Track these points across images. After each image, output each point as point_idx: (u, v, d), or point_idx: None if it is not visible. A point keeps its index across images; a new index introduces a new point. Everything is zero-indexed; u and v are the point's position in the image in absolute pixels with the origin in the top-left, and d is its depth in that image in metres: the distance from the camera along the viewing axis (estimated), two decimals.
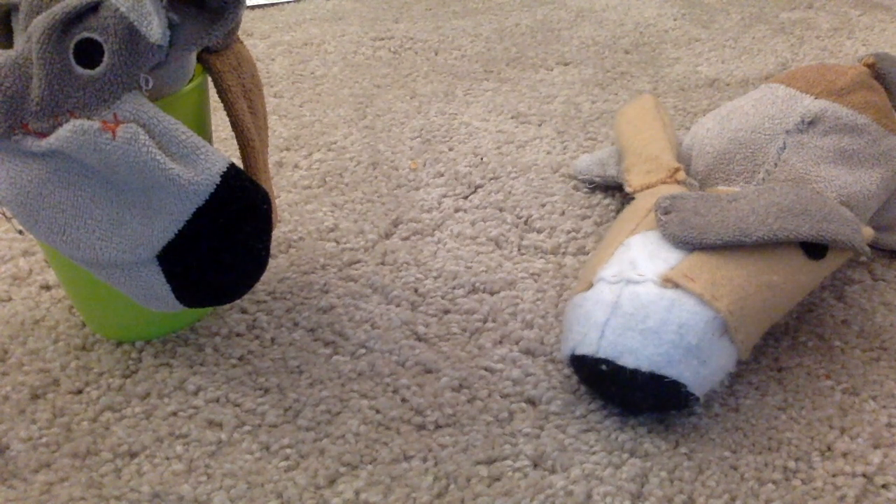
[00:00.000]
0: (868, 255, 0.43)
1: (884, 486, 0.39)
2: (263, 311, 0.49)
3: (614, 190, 0.58)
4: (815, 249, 0.42)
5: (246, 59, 0.43)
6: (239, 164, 0.56)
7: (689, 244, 0.41)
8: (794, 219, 0.41)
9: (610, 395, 0.42)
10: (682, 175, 0.49)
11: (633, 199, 0.49)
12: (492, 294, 0.50)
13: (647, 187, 0.49)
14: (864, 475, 0.39)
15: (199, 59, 0.43)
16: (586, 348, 0.40)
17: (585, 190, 0.59)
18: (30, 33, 0.36)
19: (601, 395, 0.43)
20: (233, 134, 0.67)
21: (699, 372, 0.39)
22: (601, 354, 0.39)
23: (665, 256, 0.41)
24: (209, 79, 0.44)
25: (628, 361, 0.39)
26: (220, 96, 0.43)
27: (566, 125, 0.68)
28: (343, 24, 0.94)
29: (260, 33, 0.92)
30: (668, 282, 0.40)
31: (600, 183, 0.59)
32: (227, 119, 0.69)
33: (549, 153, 0.64)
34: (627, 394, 0.40)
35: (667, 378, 0.38)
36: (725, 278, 0.40)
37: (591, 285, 0.42)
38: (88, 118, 0.36)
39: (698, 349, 0.39)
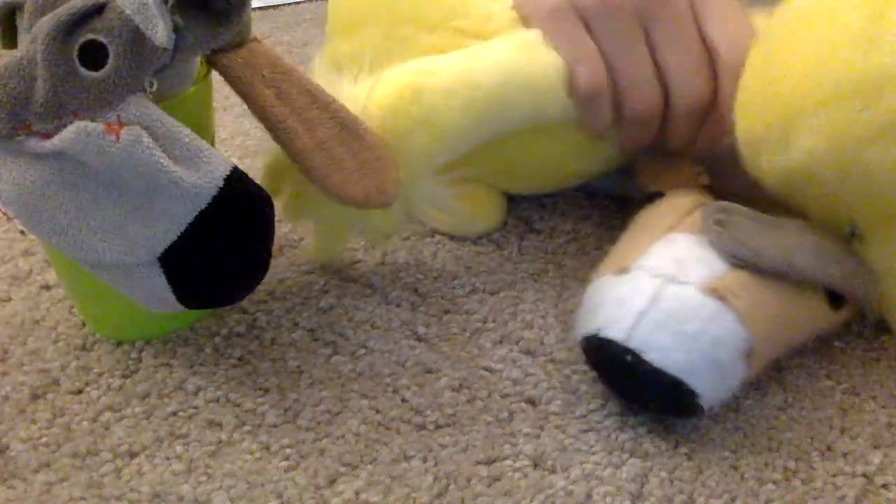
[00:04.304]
0: (875, 318, 0.43)
1: (884, 486, 0.39)
2: (263, 312, 0.49)
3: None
4: (836, 299, 0.42)
5: (261, 53, 0.42)
6: (240, 164, 0.56)
7: (741, 261, 0.40)
8: (832, 265, 0.41)
9: (618, 385, 0.41)
10: (705, 179, 0.48)
11: (651, 197, 0.48)
12: (492, 294, 0.50)
13: (670, 186, 0.47)
14: (864, 475, 0.39)
15: (206, 59, 0.42)
16: (615, 333, 0.39)
17: (585, 190, 0.59)
18: (34, 34, 0.36)
19: (607, 382, 0.42)
20: (233, 134, 0.67)
21: (715, 388, 0.39)
22: (630, 344, 0.38)
23: (712, 265, 0.40)
24: (212, 81, 0.44)
25: (654, 358, 0.38)
26: (234, 89, 0.42)
27: None
28: None
29: (260, 33, 0.91)
30: (714, 292, 0.39)
31: (599, 192, 0.59)
32: (226, 120, 0.69)
33: None
34: (640, 390, 0.40)
35: (685, 386, 0.38)
36: (763, 304, 0.39)
37: (624, 269, 0.41)
38: (92, 120, 0.36)
39: (723, 366, 0.38)
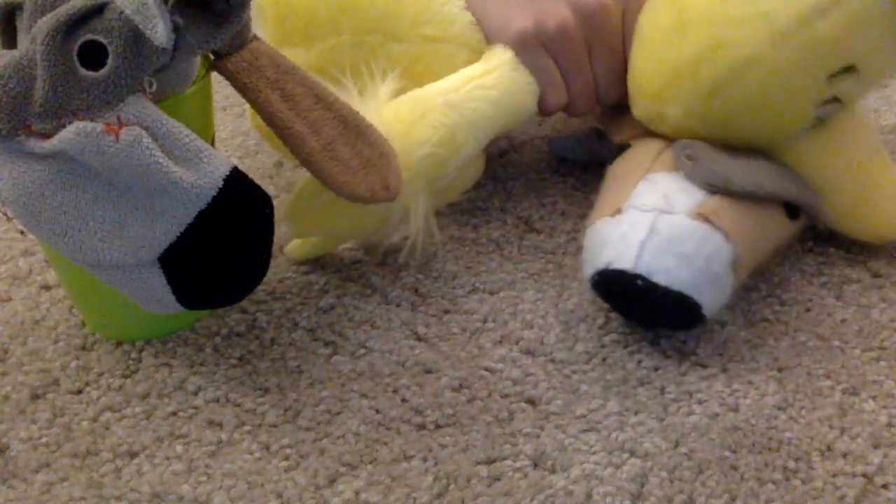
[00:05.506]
0: (824, 224, 0.51)
1: (884, 486, 0.39)
2: (263, 311, 0.49)
3: None
4: (792, 210, 0.49)
5: (263, 53, 0.43)
6: (240, 164, 0.56)
7: (715, 188, 0.46)
8: (788, 182, 0.48)
9: (631, 309, 0.47)
10: None
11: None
12: (492, 294, 0.50)
13: (633, 134, 0.53)
14: (864, 475, 0.39)
15: (211, 65, 0.43)
16: (624, 264, 0.44)
17: (584, 190, 0.59)
18: (34, 34, 0.36)
19: (621, 310, 0.47)
20: (233, 134, 0.68)
21: (714, 297, 0.44)
22: (639, 270, 0.43)
23: (693, 194, 0.46)
24: (212, 81, 0.44)
25: (661, 279, 0.43)
26: (241, 95, 0.43)
27: (565, 125, 0.68)
28: None
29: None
30: (700, 216, 0.44)
31: (581, 160, 0.61)
32: (226, 120, 0.69)
33: (548, 152, 0.64)
34: (651, 309, 0.45)
35: (691, 299, 0.43)
36: (740, 220, 0.45)
37: (618, 211, 0.46)
38: (92, 120, 0.36)
39: (718, 278, 0.44)
